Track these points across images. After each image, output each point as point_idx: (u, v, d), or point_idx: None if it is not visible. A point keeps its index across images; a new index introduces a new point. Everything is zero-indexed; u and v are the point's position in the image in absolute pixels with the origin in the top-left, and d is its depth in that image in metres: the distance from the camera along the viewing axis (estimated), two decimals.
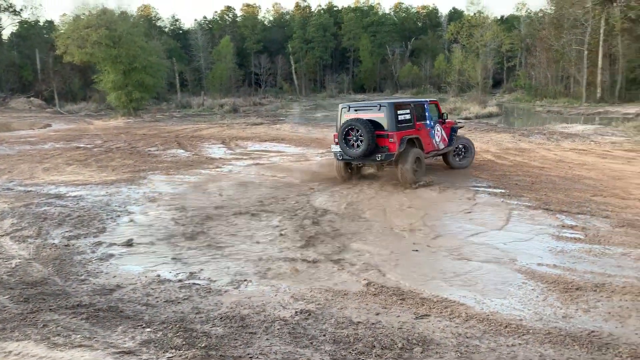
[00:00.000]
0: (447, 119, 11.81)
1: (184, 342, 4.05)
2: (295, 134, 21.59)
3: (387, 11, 78.91)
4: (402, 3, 79.83)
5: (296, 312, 4.64)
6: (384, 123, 9.85)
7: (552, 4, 43.44)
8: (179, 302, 4.93)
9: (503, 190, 9.54)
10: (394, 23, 73.92)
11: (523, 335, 4.06)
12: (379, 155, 9.78)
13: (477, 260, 5.92)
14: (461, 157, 12.23)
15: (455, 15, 72.88)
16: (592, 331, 4.14)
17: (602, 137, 17.26)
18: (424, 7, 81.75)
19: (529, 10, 63.94)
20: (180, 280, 5.55)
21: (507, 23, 62.52)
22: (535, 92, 41.79)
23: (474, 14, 57.99)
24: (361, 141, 9.73)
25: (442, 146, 11.51)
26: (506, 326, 4.22)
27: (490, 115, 29.94)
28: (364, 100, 24.63)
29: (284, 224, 7.69)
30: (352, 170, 10.91)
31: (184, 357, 3.79)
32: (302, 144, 18.03)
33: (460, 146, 12.16)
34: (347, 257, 6.17)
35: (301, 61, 66.22)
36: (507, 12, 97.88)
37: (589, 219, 7.48)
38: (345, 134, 9.95)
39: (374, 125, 9.83)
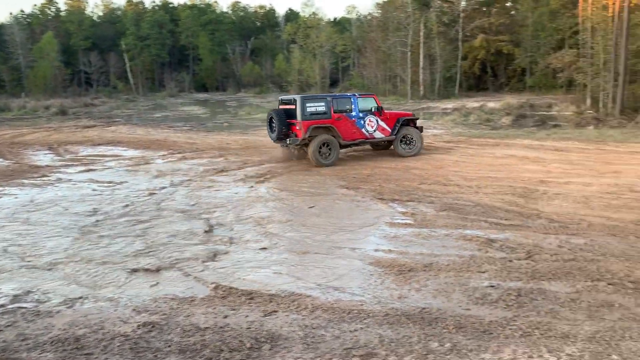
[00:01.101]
0: (383, 110, 13.05)
1: None
2: (133, 136, 20.41)
3: (225, 9, 78.30)
4: (240, 2, 79.83)
5: (138, 325, 4.35)
6: (296, 113, 11.97)
7: (378, 8, 46.85)
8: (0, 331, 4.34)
9: (342, 183, 10.04)
10: (233, 22, 73.69)
11: (364, 319, 4.29)
12: (290, 140, 12.20)
13: (319, 251, 6.13)
14: (409, 146, 13.38)
15: (292, 16, 74.93)
16: (424, 308, 4.52)
17: (425, 130, 19.03)
18: (261, 7, 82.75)
19: (358, 13, 68.23)
20: (1, 306, 4.89)
21: (340, 25, 65.86)
22: (368, 90, 44.69)
23: (309, 15, 60.18)
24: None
25: (379, 135, 13.03)
26: (349, 312, 4.43)
27: None
28: (210, 99, 24.15)
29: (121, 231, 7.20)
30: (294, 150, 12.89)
31: None
32: (141, 147, 17.10)
33: (409, 136, 13.34)
34: (190, 262, 5.97)
35: (136, 59, 62.71)
36: (340, 15, 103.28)
37: (417, 205, 8.19)
38: (270, 121, 12.59)
39: (288, 115, 12.16)
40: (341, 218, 7.62)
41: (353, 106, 12.64)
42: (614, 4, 22.43)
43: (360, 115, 12.68)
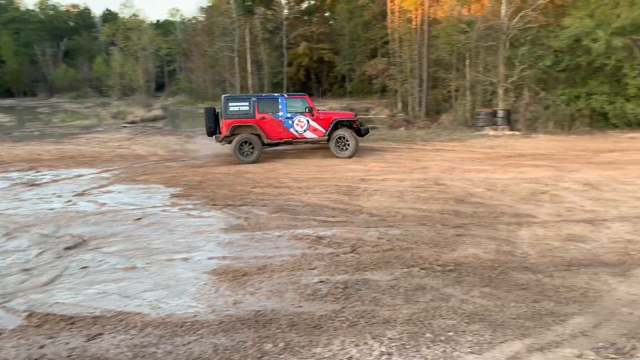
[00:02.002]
0: (315, 111, 13.61)
1: None
2: None
3: (30, 7, 70.51)
4: (48, 0, 72.54)
5: None
6: (221, 112, 13.17)
7: (202, 12, 46.21)
8: None
9: (173, 191, 9.69)
10: (41, 21, 66.69)
11: (198, 330, 4.19)
12: (215, 136, 13.56)
13: (149, 265, 5.84)
14: (342, 148, 13.63)
15: (110, 16, 70.30)
16: (258, 311, 4.56)
17: None
18: (74, 6, 76.15)
19: (183, 17, 66.54)
20: None
21: (164, 28, 63.61)
22: (196, 95, 43.84)
23: (129, 16, 57.02)
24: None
25: (310, 135, 13.62)
26: (182, 326, 4.29)
27: (155, 119, 30.04)
28: (17, 105, 21.54)
29: None
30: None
31: None
32: None
33: (343, 138, 13.56)
34: None
35: None
36: (163, 17, 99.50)
37: (250, 209, 8.25)
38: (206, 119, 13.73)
39: (217, 113, 13.51)
40: (172, 228, 7.34)
41: (280, 106, 13.38)
42: (416, 17, 25.15)
43: (288, 115, 13.37)
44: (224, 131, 13.06)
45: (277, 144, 13.66)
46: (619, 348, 3.72)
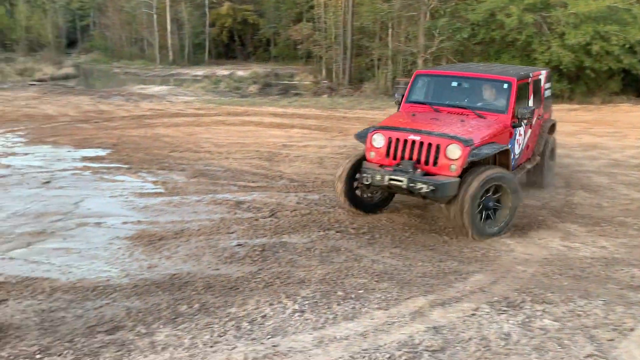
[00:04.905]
0: None
1: None
2: None
3: None
4: None
5: None
6: None
7: None
8: None
9: (85, 154, 9.27)
10: None
11: (110, 294, 4.13)
12: None
13: (59, 230, 5.62)
14: None
15: None
16: (174, 274, 4.55)
17: (177, 97, 18.74)
18: None
19: None
20: None
21: None
22: (112, 53, 41.49)
23: None
24: None
25: None
26: (93, 290, 4.20)
27: (67, 77, 28.20)
28: None
29: None
30: None
31: None
32: None
33: None
34: None
35: None
36: None
37: (168, 173, 8.07)
38: None
39: None
40: (84, 191, 7.05)
41: None
42: None
43: None
44: None
45: None
46: (511, 301, 4.08)
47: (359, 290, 4.25)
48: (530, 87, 6.50)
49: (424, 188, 5.19)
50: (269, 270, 4.63)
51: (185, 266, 4.76)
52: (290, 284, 4.34)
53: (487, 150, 5.34)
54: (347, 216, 6.15)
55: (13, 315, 3.78)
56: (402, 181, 5.30)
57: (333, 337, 3.46)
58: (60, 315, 3.76)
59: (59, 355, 3.25)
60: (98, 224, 5.83)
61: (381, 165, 5.60)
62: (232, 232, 5.61)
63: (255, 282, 4.39)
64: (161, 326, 3.61)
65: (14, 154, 9.35)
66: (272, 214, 6.20)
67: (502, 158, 5.85)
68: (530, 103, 6.47)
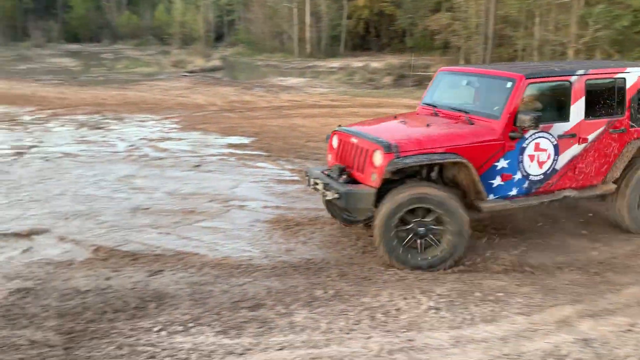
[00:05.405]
0: None
1: None
2: None
3: None
4: None
5: (10, 292, 4.07)
6: None
7: None
8: None
9: (232, 141, 9.92)
10: None
11: (252, 273, 4.38)
12: None
13: (207, 209, 6.08)
14: None
15: None
16: (309, 259, 4.71)
17: (313, 89, 19.28)
18: None
19: None
20: None
21: None
22: (254, 46, 43.84)
23: None
24: None
25: None
26: (237, 267, 4.49)
27: (214, 69, 30.36)
28: (83, 51, 22.19)
29: None
30: None
31: None
32: (3, 101, 15.42)
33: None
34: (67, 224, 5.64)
35: None
36: None
37: (304, 162, 8.34)
38: None
39: None
40: (228, 176, 7.56)
41: None
42: None
43: None
44: None
45: None
46: None
47: (498, 292, 4.04)
48: (577, 90, 4.81)
49: (329, 195, 4.60)
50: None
51: (320, 252, 4.90)
52: (424, 280, 4.25)
53: (413, 160, 4.31)
54: None
55: (168, 285, 4.17)
56: (319, 185, 4.81)
57: (471, 339, 3.34)
58: (209, 289, 4.07)
59: (208, 325, 3.52)
60: (241, 207, 6.22)
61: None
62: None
63: (388, 274, 4.37)
64: (299, 308, 3.76)
65: (169, 138, 10.30)
66: None
67: (462, 175, 4.53)
68: (577, 112, 4.82)
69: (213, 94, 17.39)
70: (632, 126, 5.12)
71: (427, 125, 4.78)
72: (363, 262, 4.64)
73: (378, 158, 4.36)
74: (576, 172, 4.98)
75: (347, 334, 3.39)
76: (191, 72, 27.11)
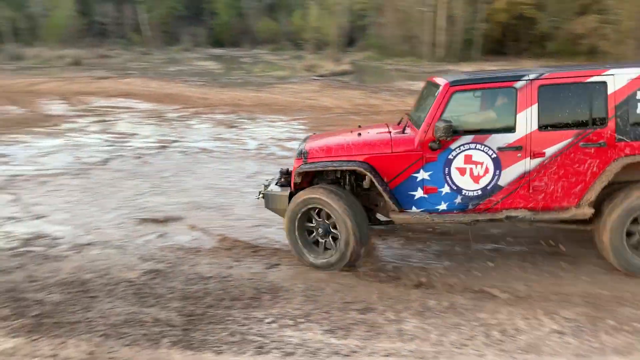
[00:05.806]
0: None
1: (11, 313, 3.71)
2: (146, 89, 20.35)
3: None
4: None
5: (143, 272, 4.47)
6: None
7: None
8: (9, 272, 4.48)
9: None
10: None
11: (366, 276, 4.36)
12: None
13: None
14: None
15: None
16: (424, 267, 4.57)
17: None
18: None
19: None
20: (12, 249, 5.04)
21: None
22: (385, 50, 43.89)
23: None
24: None
25: None
26: (350, 269, 4.49)
27: (344, 73, 30.90)
28: (225, 55, 23.71)
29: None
30: None
31: (10, 328, 3.48)
32: (154, 100, 17.08)
33: None
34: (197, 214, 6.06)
35: (153, 11, 61.88)
36: None
37: None
38: None
39: None
40: None
41: None
42: None
43: None
44: None
45: None
46: None
47: (635, 323, 3.59)
48: (524, 97, 4.13)
49: (259, 196, 4.93)
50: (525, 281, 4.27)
51: (435, 262, 4.74)
52: (549, 301, 3.92)
53: (316, 166, 4.50)
54: None
55: (284, 279, 4.30)
56: (261, 190, 4.98)
57: None
58: (322, 287, 4.13)
59: (317, 323, 3.57)
60: None
61: None
62: (487, 235, 5.35)
63: (509, 291, 4.09)
64: (409, 316, 3.66)
65: (296, 139, 10.64)
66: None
67: (372, 183, 4.39)
68: (525, 122, 4.14)
69: (341, 97, 17.69)
70: (618, 139, 4.13)
71: (359, 135, 4.70)
72: (479, 274, 4.40)
73: (294, 163, 4.71)
74: (531, 191, 4.29)
75: (458, 348, 3.23)
76: (321, 75, 27.85)
